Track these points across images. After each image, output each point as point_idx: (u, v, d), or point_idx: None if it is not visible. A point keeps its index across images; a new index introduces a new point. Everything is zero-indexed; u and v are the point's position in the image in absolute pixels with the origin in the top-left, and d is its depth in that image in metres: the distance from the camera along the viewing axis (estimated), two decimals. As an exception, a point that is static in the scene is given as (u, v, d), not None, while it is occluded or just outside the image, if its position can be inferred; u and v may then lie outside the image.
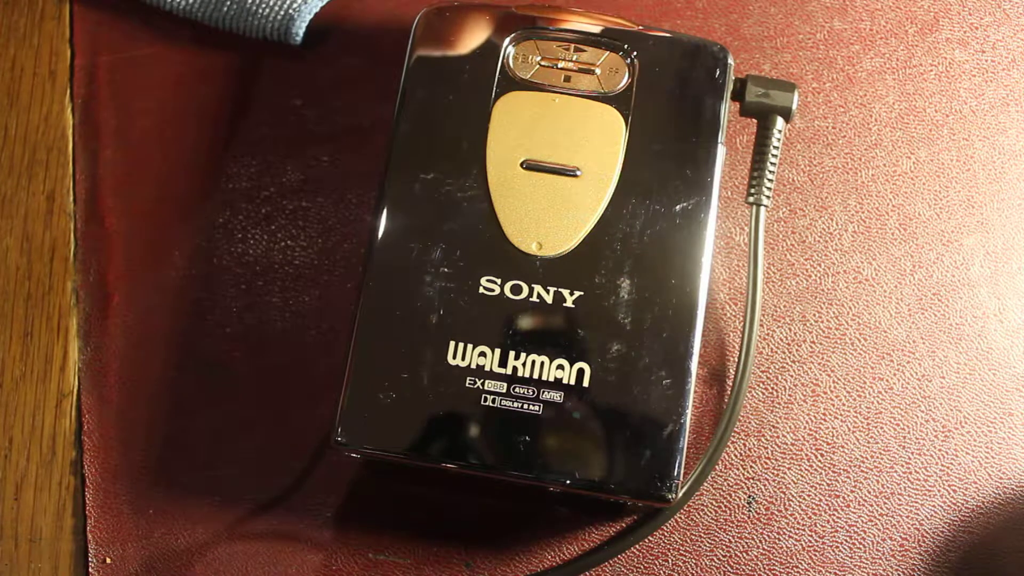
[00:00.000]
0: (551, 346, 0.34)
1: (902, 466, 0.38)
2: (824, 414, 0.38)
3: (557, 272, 0.34)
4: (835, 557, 0.37)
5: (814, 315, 0.39)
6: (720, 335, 0.39)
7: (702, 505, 0.37)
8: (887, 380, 0.39)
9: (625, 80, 0.36)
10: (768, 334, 0.39)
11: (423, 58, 0.36)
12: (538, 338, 0.34)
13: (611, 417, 0.33)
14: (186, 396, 0.38)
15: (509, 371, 0.33)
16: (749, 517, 0.37)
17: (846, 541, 0.37)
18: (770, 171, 0.37)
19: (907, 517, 0.37)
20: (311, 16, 0.41)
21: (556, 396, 0.33)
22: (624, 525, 0.37)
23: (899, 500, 0.37)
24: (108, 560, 0.37)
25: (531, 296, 0.34)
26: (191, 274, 0.39)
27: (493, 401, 0.33)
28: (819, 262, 0.40)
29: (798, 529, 0.37)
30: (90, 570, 0.37)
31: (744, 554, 0.37)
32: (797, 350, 0.39)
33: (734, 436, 0.38)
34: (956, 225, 0.40)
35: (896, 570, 0.37)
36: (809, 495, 0.37)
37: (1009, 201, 0.41)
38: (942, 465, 0.38)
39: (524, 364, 0.34)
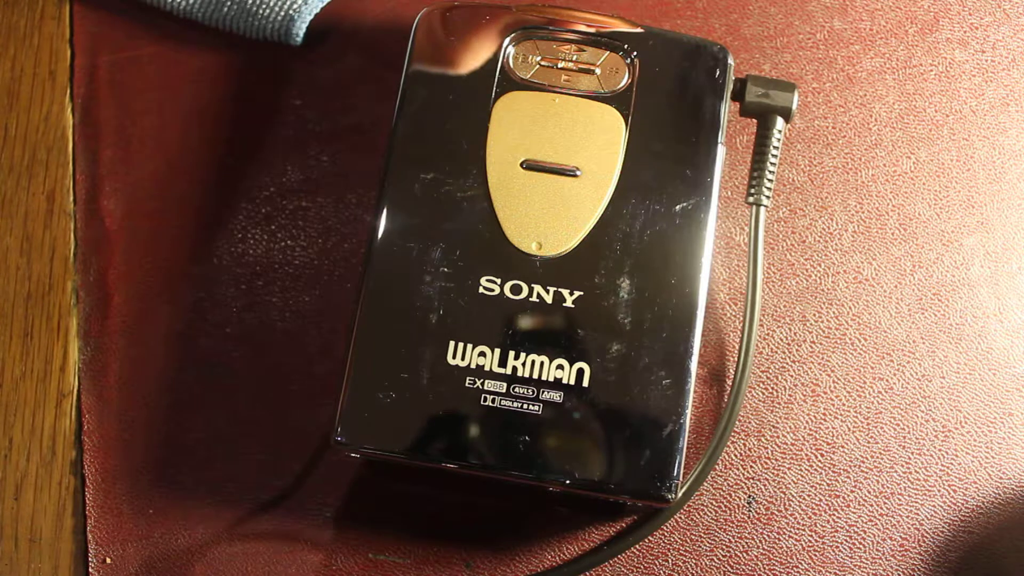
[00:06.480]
0: (551, 346, 0.34)
1: (902, 466, 0.38)
2: (824, 414, 0.38)
3: (557, 272, 0.34)
4: (835, 557, 0.37)
5: (814, 315, 0.39)
6: (720, 335, 0.39)
7: (702, 505, 0.37)
8: (887, 380, 0.39)
9: (625, 80, 0.36)
10: (768, 334, 0.39)
11: (423, 58, 0.36)
12: (538, 338, 0.34)
13: (611, 417, 0.33)
14: (186, 396, 0.38)
15: (509, 371, 0.33)
16: (749, 517, 0.37)
17: (846, 541, 0.37)
18: (770, 171, 0.37)
19: (907, 517, 0.37)
20: (311, 16, 0.41)
21: (556, 396, 0.33)
22: (624, 525, 0.37)
23: (899, 500, 0.37)
24: (108, 560, 0.37)
25: (531, 296, 0.34)
26: (191, 274, 0.39)
27: (493, 401, 0.33)
28: (819, 262, 0.40)
29: (798, 529, 0.37)
30: (90, 570, 0.37)
31: (744, 554, 0.37)
32: (797, 350, 0.39)
33: (734, 436, 0.38)
34: (956, 225, 0.40)
35: (896, 570, 0.37)
36: (809, 495, 0.37)
37: (1009, 201, 0.41)
38: (942, 465, 0.38)
39: (524, 364, 0.34)
